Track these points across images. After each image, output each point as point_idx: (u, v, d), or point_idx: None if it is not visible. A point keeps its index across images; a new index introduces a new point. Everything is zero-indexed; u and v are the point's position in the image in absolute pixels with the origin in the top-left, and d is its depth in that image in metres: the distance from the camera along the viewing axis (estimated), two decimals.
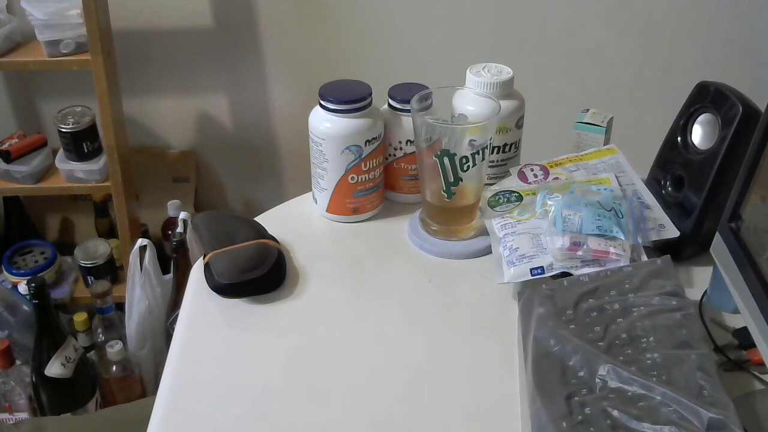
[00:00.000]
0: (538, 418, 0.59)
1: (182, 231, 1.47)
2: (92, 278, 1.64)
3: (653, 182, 0.87)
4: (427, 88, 0.85)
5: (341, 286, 0.82)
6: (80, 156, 1.51)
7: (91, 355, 1.54)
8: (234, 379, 0.70)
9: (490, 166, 0.91)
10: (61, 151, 1.53)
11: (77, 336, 1.53)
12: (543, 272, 0.75)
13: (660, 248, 0.81)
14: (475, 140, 0.80)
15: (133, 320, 1.51)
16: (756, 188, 0.66)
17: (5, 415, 1.45)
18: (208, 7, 1.66)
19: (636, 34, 1.69)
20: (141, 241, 1.47)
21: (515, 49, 1.71)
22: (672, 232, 0.81)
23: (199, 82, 1.75)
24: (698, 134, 0.82)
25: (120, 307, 1.54)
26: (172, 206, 1.64)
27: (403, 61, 1.70)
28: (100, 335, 1.53)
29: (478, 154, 0.80)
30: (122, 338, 1.50)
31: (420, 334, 0.76)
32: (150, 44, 1.69)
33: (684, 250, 0.82)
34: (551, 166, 0.89)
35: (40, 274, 1.60)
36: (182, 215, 1.52)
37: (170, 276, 1.50)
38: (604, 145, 0.94)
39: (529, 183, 0.87)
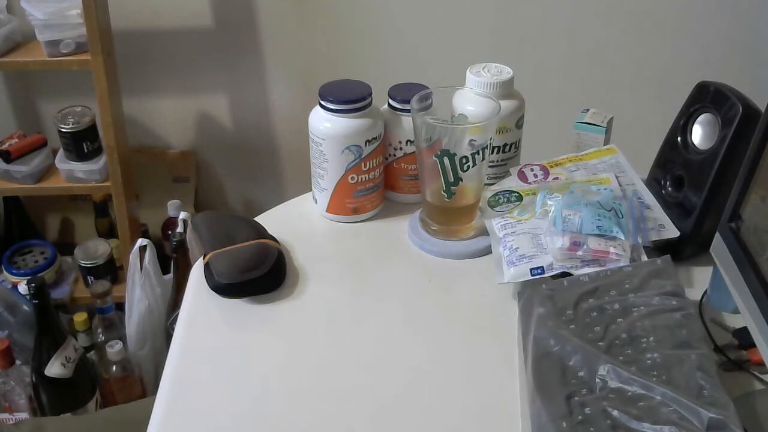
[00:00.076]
0: (538, 418, 0.59)
1: (182, 231, 1.47)
2: (92, 278, 1.64)
3: (653, 182, 0.87)
4: (427, 88, 0.85)
5: (341, 286, 0.82)
6: (80, 156, 1.51)
7: (91, 355, 1.54)
8: (234, 379, 0.70)
9: (490, 166, 0.91)
10: (61, 151, 1.53)
11: (77, 336, 1.53)
12: (543, 272, 0.75)
13: (660, 248, 0.81)
14: (475, 140, 0.80)
15: (133, 320, 1.51)
16: (756, 188, 0.66)
17: (5, 415, 1.45)
18: (208, 7, 1.66)
19: (636, 34, 1.69)
20: (141, 241, 1.47)
21: (515, 49, 1.71)
22: (672, 232, 0.81)
23: (199, 82, 1.75)
24: (698, 134, 0.82)
25: (120, 307, 1.54)
26: (172, 206, 1.64)
27: (403, 61, 1.70)
28: (100, 335, 1.53)
29: (478, 154, 0.80)
30: (122, 338, 1.50)
31: (420, 334, 0.76)
32: (150, 44, 1.69)
33: (684, 250, 0.82)
34: (551, 166, 0.89)
35: (40, 274, 1.60)
36: (182, 215, 1.52)
37: (170, 276, 1.50)
38: (604, 145, 0.94)
39: (529, 183, 0.87)
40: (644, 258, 0.76)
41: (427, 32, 1.69)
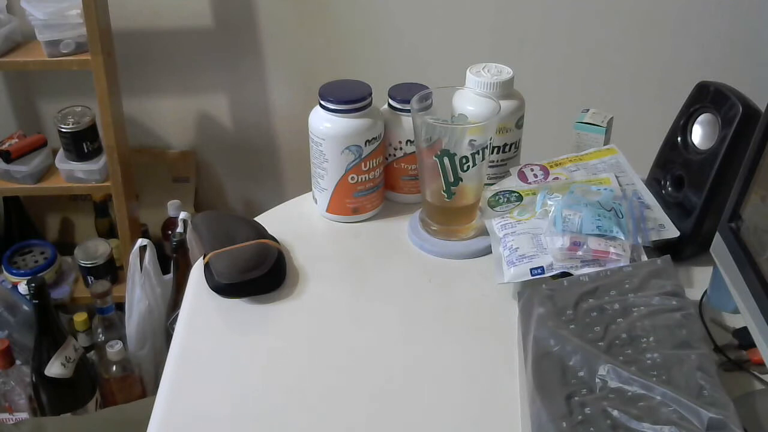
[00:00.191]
0: (538, 418, 0.59)
1: (182, 231, 1.47)
2: (92, 278, 1.64)
3: (653, 182, 0.87)
4: (427, 88, 0.85)
5: (341, 286, 0.82)
6: (80, 156, 1.51)
7: (91, 355, 1.54)
8: (234, 379, 0.70)
9: (490, 166, 0.91)
10: (61, 151, 1.53)
11: (77, 336, 1.53)
12: (543, 272, 0.75)
13: (660, 248, 0.81)
14: (475, 140, 0.80)
15: (133, 320, 1.51)
16: (756, 188, 0.66)
17: (5, 415, 1.45)
18: (208, 7, 1.66)
19: (636, 34, 1.69)
20: (141, 241, 1.47)
21: (515, 49, 1.71)
22: (672, 232, 0.81)
23: (199, 82, 1.75)
24: (698, 134, 0.82)
25: (120, 307, 1.54)
26: (172, 206, 1.64)
27: (403, 61, 1.70)
28: (100, 335, 1.53)
29: (478, 154, 0.80)
30: (122, 338, 1.50)
31: (420, 333, 0.76)
32: (150, 44, 1.69)
33: (684, 250, 0.82)
34: (551, 166, 0.89)
35: (40, 274, 1.60)
36: (182, 215, 1.52)
37: (170, 276, 1.50)
38: (604, 145, 0.94)
39: (529, 183, 0.87)
40: (644, 258, 0.76)
41: (427, 32, 1.69)
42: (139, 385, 1.53)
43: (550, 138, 1.03)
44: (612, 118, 0.95)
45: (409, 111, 0.83)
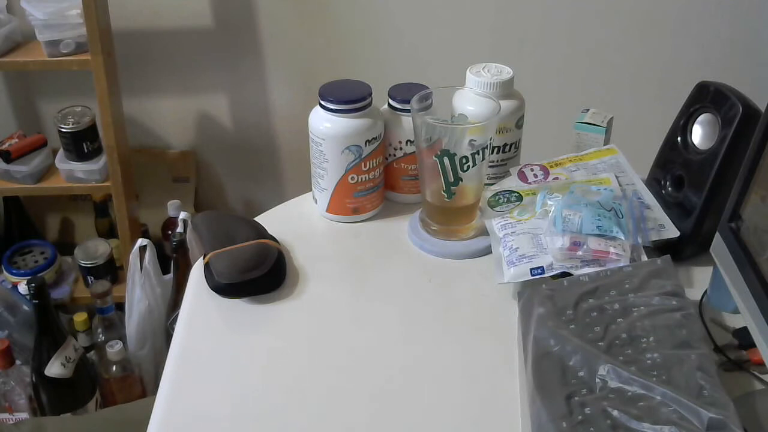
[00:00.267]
0: (538, 418, 0.59)
1: (182, 231, 1.47)
2: (92, 278, 1.64)
3: (653, 182, 0.87)
4: (427, 88, 0.85)
5: (341, 286, 0.82)
6: (80, 156, 1.51)
7: (91, 355, 1.54)
8: (234, 379, 0.70)
9: (490, 166, 0.91)
10: (61, 151, 1.53)
11: (77, 336, 1.53)
12: (543, 272, 0.75)
13: (660, 248, 0.81)
14: (475, 140, 0.80)
15: (133, 320, 1.51)
16: (756, 188, 0.66)
17: (5, 415, 1.45)
18: (208, 7, 1.66)
19: (636, 34, 1.69)
20: (141, 241, 1.47)
21: (515, 49, 1.71)
22: (672, 232, 0.81)
23: (199, 82, 1.75)
24: (698, 134, 0.82)
25: (120, 307, 1.54)
26: (172, 206, 1.64)
27: (403, 61, 1.70)
28: (100, 335, 1.53)
29: (478, 154, 0.80)
30: (122, 338, 1.50)
31: (420, 333, 0.76)
32: (150, 44, 1.69)
33: (684, 250, 0.82)
34: (551, 166, 0.89)
35: (40, 274, 1.60)
36: (182, 215, 1.52)
37: (170, 276, 1.50)
38: (604, 145, 0.94)
39: (529, 183, 0.87)
40: (644, 258, 0.76)
41: (427, 32, 1.69)
42: (139, 385, 1.53)
43: (550, 138, 1.03)
44: (612, 118, 0.95)
45: (409, 111, 0.83)
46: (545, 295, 0.70)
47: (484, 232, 0.85)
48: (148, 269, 1.48)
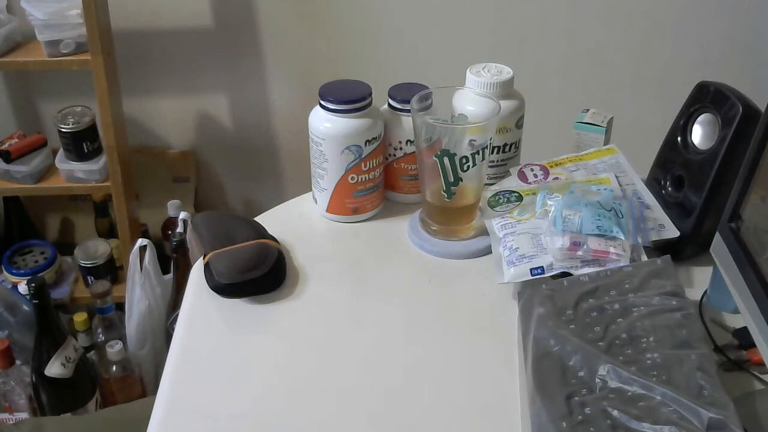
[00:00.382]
0: (538, 418, 0.59)
1: (182, 231, 1.47)
2: (92, 278, 1.64)
3: (653, 182, 0.87)
4: (427, 88, 0.85)
5: (341, 286, 0.82)
6: (80, 156, 1.51)
7: (91, 355, 1.54)
8: (234, 379, 0.70)
9: (490, 166, 0.91)
10: (61, 151, 1.53)
11: (77, 336, 1.53)
12: (543, 272, 0.75)
13: (660, 248, 0.81)
14: (475, 140, 0.80)
15: (133, 320, 1.51)
16: (756, 188, 0.66)
17: (5, 415, 1.45)
18: (208, 7, 1.66)
19: (636, 34, 1.69)
20: (141, 241, 1.47)
21: (515, 49, 1.71)
22: (672, 232, 0.81)
23: (199, 82, 1.75)
24: (698, 134, 0.82)
25: (120, 307, 1.54)
26: (172, 206, 1.64)
27: (403, 61, 1.70)
28: (100, 335, 1.53)
29: (478, 154, 0.80)
30: (122, 338, 1.50)
31: (420, 333, 0.76)
32: (150, 44, 1.69)
33: (684, 250, 0.82)
34: (551, 166, 0.89)
35: (40, 274, 1.60)
36: (182, 215, 1.52)
37: (170, 276, 1.50)
38: (604, 145, 0.94)
39: (529, 183, 0.87)
40: (644, 258, 0.76)
41: (427, 32, 1.69)
42: (139, 385, 1.53)
43: (550, 138, 1.03)
44: (612, 118, 0.95)
45: (409, 111, 0.83)
46: (545, 295, 0.70)
47: (484, 232, 0.85)
48: (148, 269, 1.48)
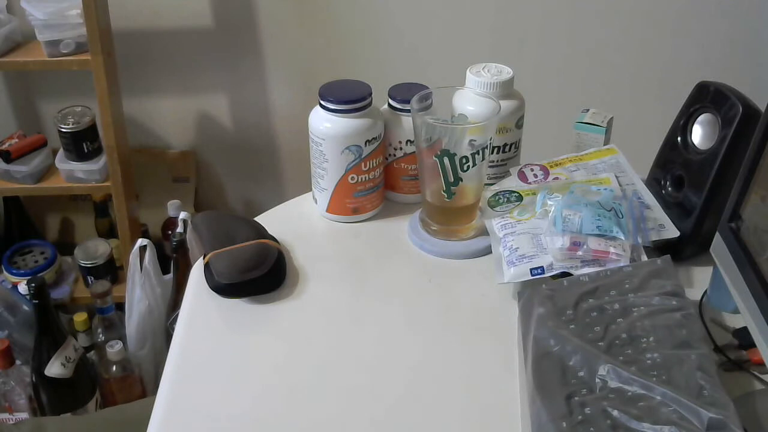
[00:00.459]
0: (538, 418, 0.59)
1: (182, 231, 1.47)
2: (92, 278, 1.64)
3: (653, 182, 0.87)
4: (427, 88, 0.85)
5: (341, 286, 0.82)
6: (80, 156, 1.51)
7: (91, 355, 1.54)
8: (234, 379, 0.70)
9: (490, 166, 0.91)
10: (61, 151, 1.53)
11: (77, 336, 1.53)
12: (543, 272, 0.75)
13: (660, 248, 0.81)
14: (475, 140, 0.80)
15: (133, 320, 1.51)
16: (756, 188, 0.66)
17: (5, 415, 1.45)
18: (208, 7, 1.66)
19: (636, 34, 1.69)
20: (141, 241, 1.47)
21: (515, 49, 1.71)
22: (672, 232, 0.81)
23: (199, 82, 1.75)
24: (698, 134, 0.82)
25: (120, 307, 1.54)
26: (172, 206, 1.64)
27: (403, 61, 1.70)
28: (100, 335, 1.53)
29: (478, 154, 0.80)
30: (122, 338, 1.50)
31: (420, 333, 0.76)
32: (150, 44, 1.69)
33: (684, 250, 0.82)
34: (551, 166, 0.89)
35: (40, 274, 1.60)
36: (182, 215, 1.52)
37: (170, 276, 1.50)
38: (604, 145, 0.94)
39: (529, 183, 0.87)
40: (644, 258, 0.76)
41: (427, 32, 1.69)
42: (139, 385, 1.53)
43: (550, 138, 1.03)
44: (612, 118, 0.95)
45: (409, 111, 0.83)
46: (545, 295, 0.70)
47: (484, 232, 0.85)
48: (148, 269, 1.48)
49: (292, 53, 1.72)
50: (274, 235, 0.86)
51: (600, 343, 0.64)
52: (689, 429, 0.55)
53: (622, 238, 0.76)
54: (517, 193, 0.86)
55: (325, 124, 0.85)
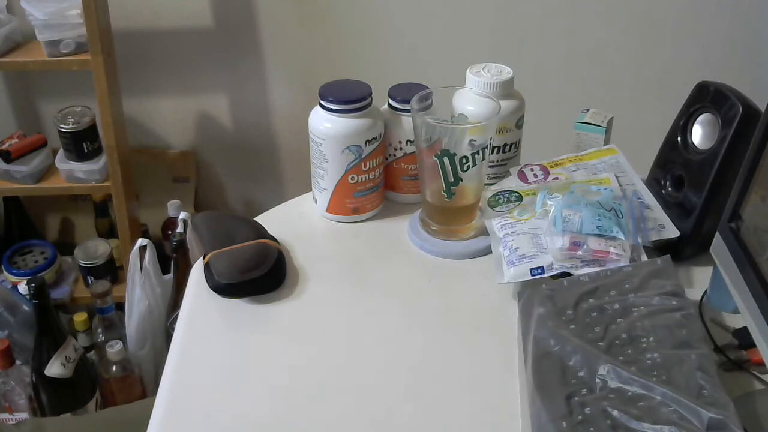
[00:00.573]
0: (538, 418, 0.59)
1: (182, 231, 1.47)
2: (92, 278, 1.64)
3: (653, 182, 0.87)
4: (427, 88, 0.85)
5: (341, 286, 0.82)
6: (80, 156, 1.51)
7: (91, 355, 1.54)
8: (234, 379, 0.70)
9: (490, 166, 0.91)
10: (61, 151, 1.53)
11: (77, 336, 1.53)
12: (543, 272, 0.75)
13: (660, 248, 0.81)
14: (475, 140, 0.80)
15: (133, 320, 1.51)
16: (756, 188, 0.66)
17: (5, 415, 1.45)
18: (208, 7, 1.66)
19: (636, 34, 1.69)
20: (141, 241, 1.47)
21: (515, 49, 1.71)
22: (672, 232, 0.81)
23: (199, 82, 1.75)
24: (698, 134, 0.82)
25: (120, 307, 1.54)
26: (172, 206, 1.64)
27: (403, 61, 1.70)
28: (100, 335, 1.53)
29: (478, 154, 0.80)
30: (122, 338, 1.50)
31: (420, 334, 0.76)
32: (150, 44, 1.69)
33: (684, 250, 0.82)
34: (551, 166, 0.89)
35: (40, 274, 1.60)
36: (182, 215, 1.52)
37: (170, 276, 1.50)
38: (604, 145, 0.94)
39: (529, 183, 0.87)
40: (644, 258, 0.76)
41: (427, 32, 1.69)
42: (139, 385, 1.53)
43: (550, 138, 1.03)
44: (612, 118, 0.95)
45: (409, 111, 0.83)
46: (545, 295, 0.70)
47: (484, 232, 0.85)
48: (148, 269, 1.48)
49: (292, 53, 1.72)
50: (274, 235, 0.86)
51: (600, 343, 0.64)
52: (689, 429, 0.55)
53: (622, 238, 0.76)
54: (517, 193, 0.86)
55: (325, 124, 0.85)
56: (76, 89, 1.66)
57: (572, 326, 0.66)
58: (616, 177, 0.86)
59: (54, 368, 1.36)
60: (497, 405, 0.67)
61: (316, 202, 0.92)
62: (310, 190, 0.93)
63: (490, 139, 0.81)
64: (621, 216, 0.78)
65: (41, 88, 1.73)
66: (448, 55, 1.58)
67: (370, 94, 0.86)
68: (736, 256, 0.67)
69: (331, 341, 0.75)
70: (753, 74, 1.65)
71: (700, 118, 0.82)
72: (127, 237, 1.59)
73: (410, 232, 0.88)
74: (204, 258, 0.82)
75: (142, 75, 1.72)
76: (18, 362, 1.41)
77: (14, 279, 1.62)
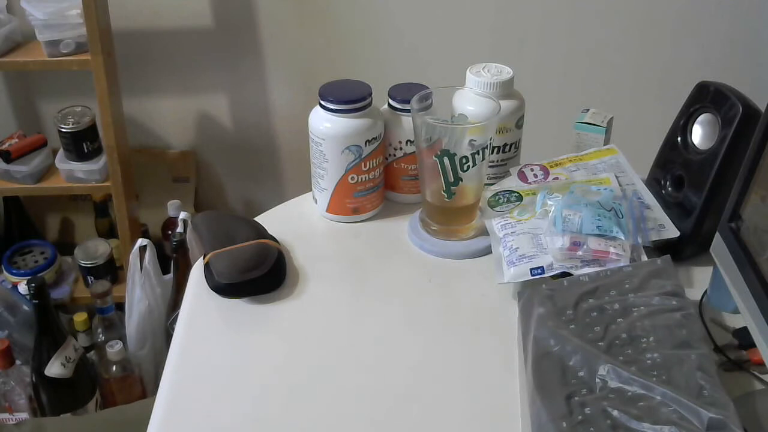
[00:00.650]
0: (538, 418, 0.59)
1: (182, 231, 1.47)
2: (92, 278, 1.64)
3: (653, 182, 0.87)
4: (427, 88, 0.85)
5: (341, 286, 0.82)
6: (80, 156, 1.51)
7: (91, 355, 1.54)
8: (234, 379, 0.70)
9: (490, 166, 0.91)
10: (61, 151, 1.53)
11: (77, 336, 1.53)
12: (543, 272, 0.75)
13: (660, 248, 0.81)
14: (475, 140, 0.80)
15: (133, 320, 1.51)
16: (756, 188, 0.66)
17: (5, 415, 1.45)
18: (208, 7, 1.66)
19: (636, 34, 1.69)
20: (141, 241, 1.47)
21: (515, 49, 1.71)
22: (672, 232, 0.81)
23: (199, 82, 1.75)
24: (698, 134, 0.82)
25: (120, 307, 1.54)
26: (172, 206, 1.64)
27: (403, 61, 1.70)
28: (100, 335, 1.53)
29: (478, 154, 0.80)
30: (122, 338, 1.50)
31: (420, 333, 0.76)
32: (150, 44, 1.69)
33: (684, 250, 0.82)
34: (551, 166, 0.89)
35: (40, 274, 1.60)
36: (182, 215, 1.52)
37: (170, 276, 1.50)
38: (604, 145, 0.94)
39: (529, 183, 0.87)
40: (644, 258, 0.76)
41: (427, 32, 1.69)
42: (139, 385, 1.53)
43: (550, 138, 1.03)
44: (612, 118, 0.95)
45: (409, 111, 0.83)
46: (545, 295, 0.70)
47: (484, 232, 0.85)
48: (148, 269, 1.48)
49: (292, 53, 1.72)
50: (274, 235, 0.86)
51: (600, 343, 0.64)
52: (689, 429, 0.55)
53: (622, 238, 0.76)
54: (517, 193, 0.86)
55: (325, 124, 0.85)
56: (76, 89, 1.66)
57: (572, 326, 0.66)
58: (616, 177, 0.86)
59: (54, 368, 1.36)
60: (497, 405, 0.67)
61: (316, 202, 0.92)
62: (310, 190, 0.93)
63: (490, 139, 0.81)
64: (621, 216, 0.78)
65: (41, 88, 1.73)
66: (448, 55, 1.58)
67: (370, 94, 0.86)
68: (736, 256, 0.67)
69: (331, 341, 0.75)
70: (753, 74, 1.65)
71: (700, 118, 0.82)
72: (127, 237, 1.59)
73: (410, 232, 0.88)
74: (204, 258, 0.82)
75: (142, 75, 1.72)
76: (18, 362, 1.41)
77: (14, 279, 1.62)
